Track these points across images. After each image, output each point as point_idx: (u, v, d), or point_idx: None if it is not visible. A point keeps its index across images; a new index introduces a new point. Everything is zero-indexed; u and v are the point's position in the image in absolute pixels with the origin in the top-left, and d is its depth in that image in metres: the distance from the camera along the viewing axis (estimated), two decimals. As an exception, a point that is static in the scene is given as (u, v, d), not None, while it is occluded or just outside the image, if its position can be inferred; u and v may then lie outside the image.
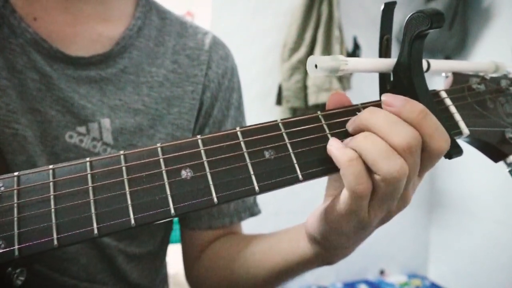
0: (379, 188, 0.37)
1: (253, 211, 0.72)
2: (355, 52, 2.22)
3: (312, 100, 1.98)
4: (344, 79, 2.03)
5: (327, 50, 2.00)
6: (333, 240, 0.44)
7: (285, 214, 2.05)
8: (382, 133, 0.36)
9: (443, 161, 0.41)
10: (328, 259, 0.49)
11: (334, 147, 0.38)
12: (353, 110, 0.41)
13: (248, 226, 0.73)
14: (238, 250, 0.63)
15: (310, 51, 2.03)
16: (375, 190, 0.37)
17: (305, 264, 0.51)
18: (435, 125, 0.38)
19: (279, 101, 2.07)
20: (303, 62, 2.01)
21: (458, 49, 2.23)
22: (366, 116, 0.38)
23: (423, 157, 0.38)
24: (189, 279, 0.72)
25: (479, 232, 2.26)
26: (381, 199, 0.37)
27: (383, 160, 0.35)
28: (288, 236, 0.55)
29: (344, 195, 0.38)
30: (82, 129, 0.57)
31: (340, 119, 0.40)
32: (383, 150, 0.36)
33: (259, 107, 2.11)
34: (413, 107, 0.38)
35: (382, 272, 2.54)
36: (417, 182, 0.42)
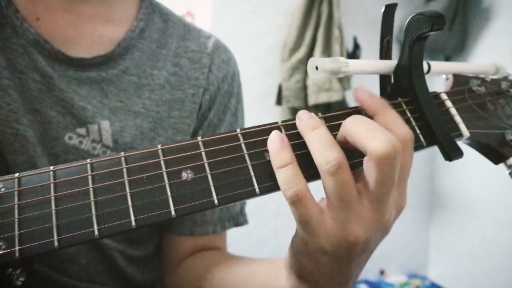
0: (325, 182, 0.35)
1: (238, 220, 0.70)
2: (355, 52, 2.22)
3: (312, 100, 1.98)
4: (344, 79, 2.03)
5: (327, 50, 2.00)
6: (301, 269, 0.40)
7: (285, 215, 2.03)
8: (363, 138, 0.35)
9: (443, 161, 0.41)
10: None
11: (273, 145, 0.37)
12: (355, 111, 0.41)
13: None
14: (214, 271, 0.61)
15: (310, 51, 2.03)
16: (324, 184, 0.36)
17: None
18: (396, 116, 0.38)
19: (279, 101, 2.07)
20: (303, 62, 2.01)
21: (458, 49, 2.23)
22: (348, 123, 0.37)
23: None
24: (166, 287, 0.70)
25: (479, 232, 2.26)
26: (334, 197, 0.35)
27: (321, 149, 0.35)
28: (267, 267, 0.52)
29: None
30: (82, 131, 0.57)
31: (341, 121, 0.40)
32: (324, 141, 0.36)
33: (259, 107, 2.11)
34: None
35: (382, 272, 2.54)
36: (397, 195, 0.39)
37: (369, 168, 0.35)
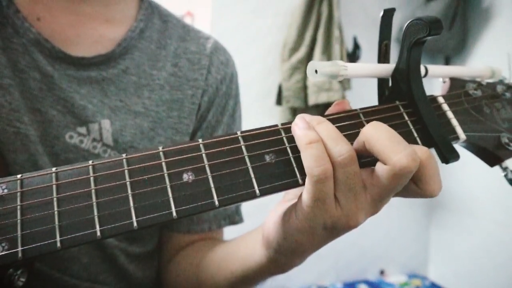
0: (337, 173, 0.36)
1: (234, 219, 0.71)
2: (355, 52, 2.22)
3: (312, 100, 1.98)
4: (344, 80, 2.03)
5: (327, 50, 2.00)
6: (291, 243, 0.42)
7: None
8: (385, 148, 0.35)
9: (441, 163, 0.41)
10: (283, 266, 0.46)
11: (298, 126, 0.38)
12: (353, 114, 0.41)
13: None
14: (203, 256, 0.63)
15: (310, 51, 2.03)
16: (335, 175, 0.36)
17: (261, 271, 0.49)
18: (436, 168, 0.37)
19: (279, 101, 2.07)
20: (303, 62, 2.01)
21: (458, 49, 2.23)
22: (369, 131, 0.37)
23: (411, 189, 0.38)
24: (163, 282, 0.71)
25: (479, 233, 2.26)
26: (343, 187, 0.36)
27: (333, 142, 0.36)
28: (246, 241, 0.54)
29: (306, 184, 0.37)
30: (82, 130, 0.57)
31: (340, 123, 0.40)
32: (334, 134, 0.37)
33: (259, 107, 2.11)
34: (420, 147, 0.38)
35: (382, 272, 2.54)
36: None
37: (383, 175, 0.35)
